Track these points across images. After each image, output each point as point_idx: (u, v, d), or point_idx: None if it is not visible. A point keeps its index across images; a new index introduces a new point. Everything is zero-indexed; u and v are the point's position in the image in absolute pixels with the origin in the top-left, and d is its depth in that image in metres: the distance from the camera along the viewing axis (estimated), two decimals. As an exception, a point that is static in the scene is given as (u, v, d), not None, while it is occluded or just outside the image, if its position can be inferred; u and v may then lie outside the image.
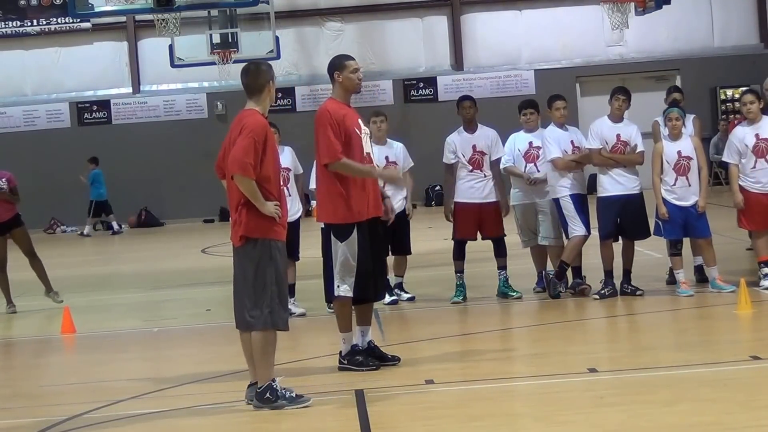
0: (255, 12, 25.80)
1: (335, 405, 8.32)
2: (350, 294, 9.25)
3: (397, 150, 12.80)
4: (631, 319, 11.62)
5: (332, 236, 9.21)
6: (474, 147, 12.62)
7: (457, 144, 12.66)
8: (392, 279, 12.78)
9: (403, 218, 12.62)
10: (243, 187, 8.09)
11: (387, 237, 12.44)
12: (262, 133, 8.16)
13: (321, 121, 9.20)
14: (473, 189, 12.64)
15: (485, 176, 12.64)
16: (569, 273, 12.66)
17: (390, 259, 12.75)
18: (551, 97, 12.89)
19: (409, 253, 12.92)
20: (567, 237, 12.64)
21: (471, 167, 12.60)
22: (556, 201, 12.55)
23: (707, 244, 12.26)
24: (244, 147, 8.07)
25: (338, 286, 9.22)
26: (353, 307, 9.42)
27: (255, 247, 8.15)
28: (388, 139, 12.88)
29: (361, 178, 9.21)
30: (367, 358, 9.39)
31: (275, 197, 8.23)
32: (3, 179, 14.70)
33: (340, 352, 9.44)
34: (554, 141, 12.56)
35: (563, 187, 12.49)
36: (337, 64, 9.50)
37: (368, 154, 9.39)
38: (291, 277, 11.86)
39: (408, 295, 12.99)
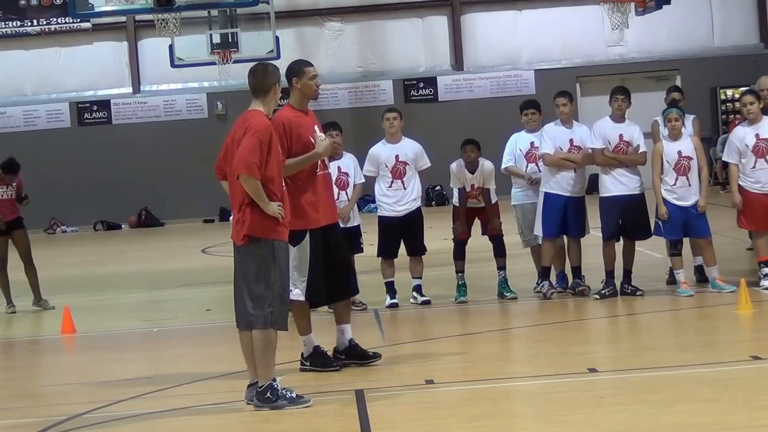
0: (255, 12, 25.77)
1: (335, 405, 8.33)
2: (302, 297, 9.30)
3: (408, 149, 12.66)
4: (631, 319, 11.62)
5: None
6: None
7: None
8: (390, 281, 12.82)
9: (416, 218, 12.64)
10: (248, 187, 8.10)
11: (397, 238, 12.55)
12: (267, 134, 8.20)
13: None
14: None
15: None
16: (569, 273, 12.70)
17: (406, 260, 12.79)
18: (555, 93, 12.90)
19: (424, 253, 12.77)
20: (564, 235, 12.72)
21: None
22: None
23: (707, 244, 12.26)
24: (250, 147, 8.09)
25: (291, 291, 9.24)
26: (331, 307, 9.49)
27: (258, 246, 8.17)
28: (404, 137, 12.76)
29: (312, 186, 9.20)
30: (329, 359, 9.43)
31: (278, 198, 8.26)
32: (12, 186, 14.79)
33: (302, 354, 9.47)
34: (550, 137, 12.57)
35: (545, 184, 12.54)
36: (296, 70, 9.48)
37: (322, 161, 9.36)
38: None
39: (424, 298, 12.70)
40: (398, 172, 12.54)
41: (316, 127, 9.43)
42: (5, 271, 14.81)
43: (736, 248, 15.01)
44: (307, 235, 9.20)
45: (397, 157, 12.54)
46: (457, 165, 12.74)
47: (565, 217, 12.52)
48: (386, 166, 12.52)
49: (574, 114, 13.05)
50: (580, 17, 30.38)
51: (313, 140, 9.25)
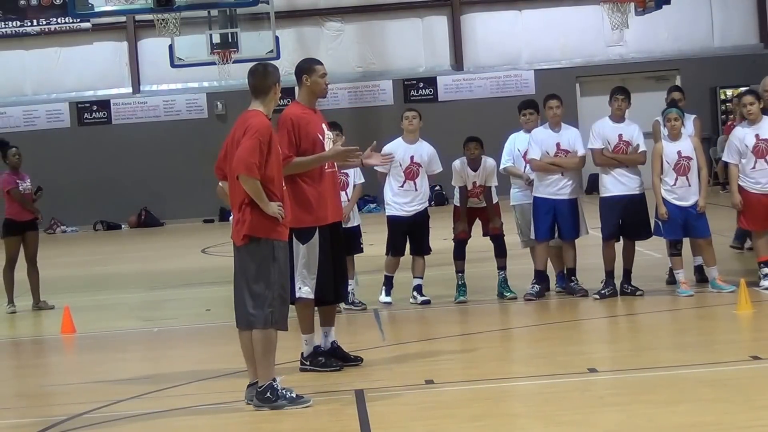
0: (255, 12, 25.78)
1: (335, 405, 8.33)
2: (311, 296, 9.30)
3: (423, 151, 12.65)
4: (631, 319, 11.62)
5: (294, 239, 9.23)
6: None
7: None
8: (389, 281, 12.82)
9: (423, 219, 12.66)
10: (248, 187, 8.11)
11: (405, 236, 12.58)
12: (267, 134, 8.21)
13: (279, 127, 9.21)
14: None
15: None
16: (567, 273, 12.71)
17: (408, 260, 12.80)
18: (546, 96, 12.89)
19: (428, 253, 12.79)
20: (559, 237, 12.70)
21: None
22: None
23: (707, 244, 12.26)
24: (250, 147, 8.10)
25: (299, 288, 9.25)
26: (317, 309, 9.49)
27: (258, 246, 8.18)
28: (420, 139, 12.73)
29: (320, 184, 9.24)
30: (330, 358, 9.44)
31: (278, 198, 8.26)
32: (27, 180, 14.84)
33: (302, 354, 9.49)
34: (537, 141, 12.53)
35: (535, 188, 12.56)
36: (307, 68, 9.51)
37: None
38: None
39: (424, 298, 12.69)
40: (412, 172, 12.56)
41: (324, 126, 9.45)
42: (13, 271, 14.82)
43: (736, 248, 15.00)
44: (317, 233, 9.22)
45: (412, 157, 12.57)
46: (459, 162, 12.74)
47: (556, 220, 12.51)
48: (400, 165, 12.53)
49: (574, 114, 13.03)
50: (580, 17, 30.38)
51: (321, 137, 9.27)
